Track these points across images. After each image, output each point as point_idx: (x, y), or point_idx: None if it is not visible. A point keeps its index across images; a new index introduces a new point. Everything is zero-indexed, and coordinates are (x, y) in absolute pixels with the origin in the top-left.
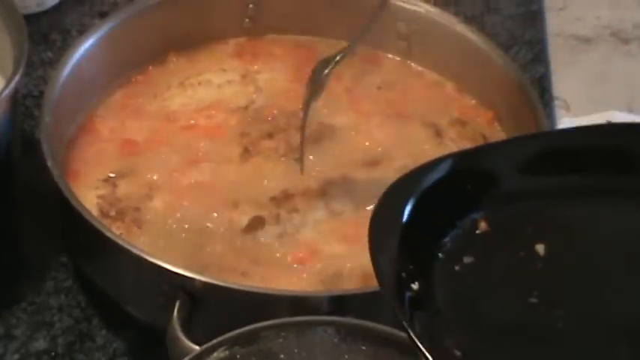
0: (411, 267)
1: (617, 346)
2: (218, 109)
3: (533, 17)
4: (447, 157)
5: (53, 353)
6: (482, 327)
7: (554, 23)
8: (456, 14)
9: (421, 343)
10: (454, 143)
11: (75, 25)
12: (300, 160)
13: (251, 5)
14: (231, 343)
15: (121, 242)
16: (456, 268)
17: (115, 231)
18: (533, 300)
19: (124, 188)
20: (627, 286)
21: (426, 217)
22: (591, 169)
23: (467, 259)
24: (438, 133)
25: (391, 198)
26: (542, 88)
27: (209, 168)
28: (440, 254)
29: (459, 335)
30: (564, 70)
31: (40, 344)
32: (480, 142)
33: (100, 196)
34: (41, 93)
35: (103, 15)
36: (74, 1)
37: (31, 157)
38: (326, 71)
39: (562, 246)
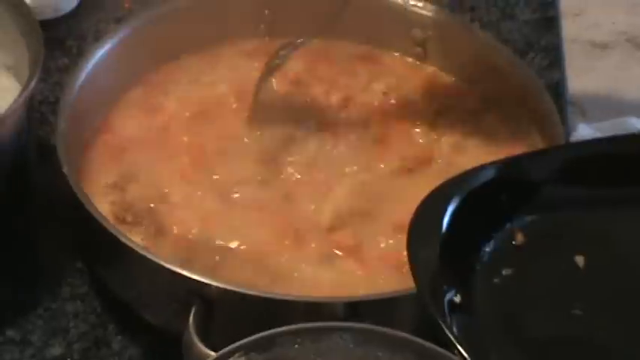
0: (451, 279)
1: None
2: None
3: (549, 23)
4: (482, 167)
5: (69, 359)
6: (526, 339)
7: (570, 29)
8: (472, 20)
9: (471, 357)
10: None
11: (91, 31)
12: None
13: (267, 11)
14: (247, 349)
15: (136, 248)
16: (495, 280)
17: (136, 236)
18: (577, 312)
19: (134, 192)
20: None
21: (463, 228)
22: (628, 179)
23: (505, 271)
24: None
25: (429, 207)
26: (558, 93)
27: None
28: (478, 266)
29: (502, 348)
30: (580, 76)
31: (56, 350)
32: (471, 123)
33: (112, 202)
34: (57, 99)
35: (118, 21)
36: (90, 8)
37: (47, 163)
38: (277, 61)
39: (602, 257)
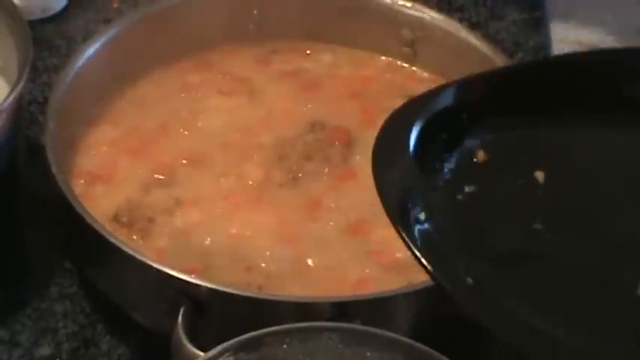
0: (416, 197)
1: (622, 264)
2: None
3: (537, 23)
4: (444, 87)
5: (58, 359)
6: (491, 254)
7: (559, 29)
8: (461, 20)
9: (435, 272)
10: None
11: (79, 32)
12: None
13: (255, 11)
14: (235, 349)
15: (125, 248)
16: (458, 197)
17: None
18: (538, 226)
19: (152, 197)
20: (626, 207)
21: (425, 147)
22: (588, 97)
23: (468, 188)
24: None
25: (393, 128)
26: None
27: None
28: (441, 184)
29: (467, 261)
30: None
31: (45, 350)
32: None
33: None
34: (46, 99)
35: (107, 21)
36: (79, 8)
37: (36, 163)
38: None
39: (561, 172)
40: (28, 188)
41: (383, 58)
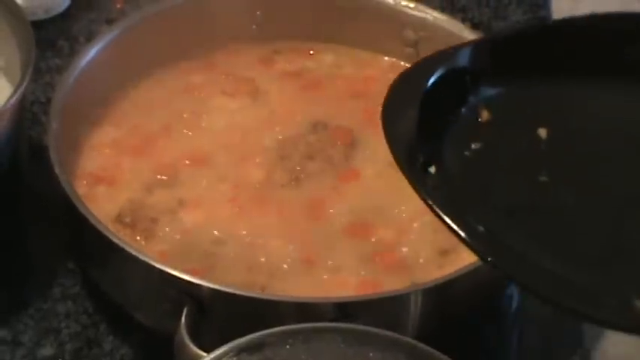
0: (426, 152)
1: (624, 212)
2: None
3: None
4: (462, 46)
5: (60, 359)
6: (500, 205)
7: None
8: (464, 21)
9: (449, 220)
10: None
11: (82, 32)
12: None
13: (258, 12)
14: (238, 350)
15: (128, 249)
16: (466, 153)
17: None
18: (543, 178)
19: (155, 198)
20: (626, 162)
21: (432, 104)
22: (585, 60)
23: (474, 146)
24: None
25: (405, 83)
26: None
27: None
28: (449, 141)
29: (478, 213)
30: None
31: (48, 350)
32: None
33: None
34: (48, 100)
35: (110, 22)
36: (81, 8)
37: (39, 163)
38: None
39: (563, 130)
40: (31, 188)
41: (386, 58)
